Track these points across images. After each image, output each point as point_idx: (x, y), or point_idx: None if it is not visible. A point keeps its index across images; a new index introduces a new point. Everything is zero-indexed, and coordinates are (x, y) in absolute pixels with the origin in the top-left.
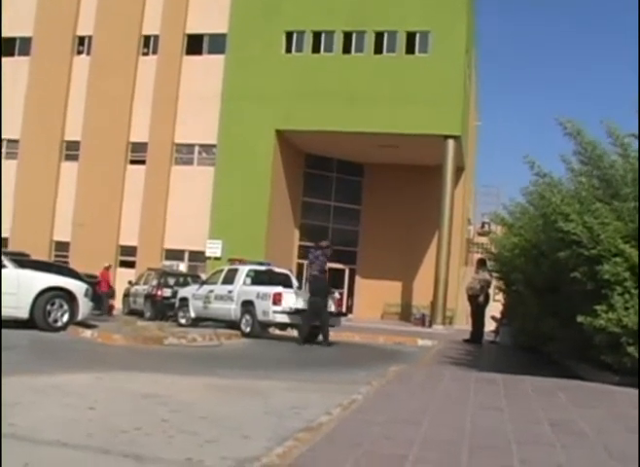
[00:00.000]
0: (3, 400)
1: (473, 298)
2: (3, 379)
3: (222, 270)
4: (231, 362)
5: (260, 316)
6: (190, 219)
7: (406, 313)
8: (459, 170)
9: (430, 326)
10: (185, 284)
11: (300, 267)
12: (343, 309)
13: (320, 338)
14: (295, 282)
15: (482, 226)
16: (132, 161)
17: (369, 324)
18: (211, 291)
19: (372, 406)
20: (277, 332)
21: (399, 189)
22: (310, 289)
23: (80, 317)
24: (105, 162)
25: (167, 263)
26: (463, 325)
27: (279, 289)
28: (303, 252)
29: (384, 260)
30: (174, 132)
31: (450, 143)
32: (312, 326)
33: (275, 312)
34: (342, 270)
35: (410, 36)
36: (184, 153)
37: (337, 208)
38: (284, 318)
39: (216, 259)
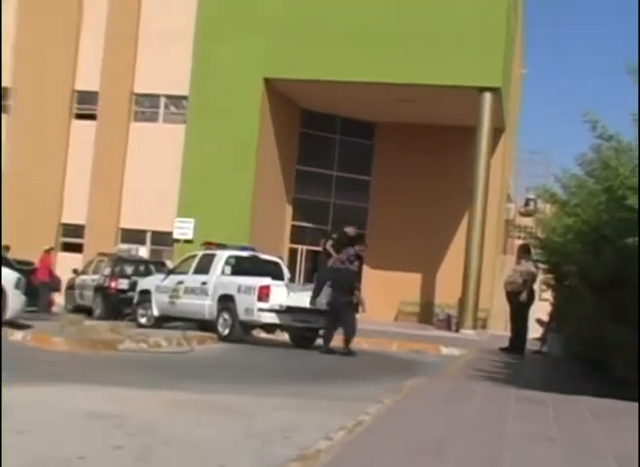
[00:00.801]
0: (3, 401)
1: (513, 295)
2: None
3: (194, 257)
4: (205, 372)
5: (242, 315)
6: (153, 191)
7: (426, 314)
8: (498, 132)
9: (457, 330)
10: (146, 274)
11: (292, 253)
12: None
13: (320, 341)
14: (286, 272)
15: (526, 203)
16: (79, 116)
17: (379, 327)
18: (180, 282)
19: (382, 429)
20: (263, 335)
21: (419, 156)
22: (333, 284)
23: (9, 315)
24: (43, 116)
25: (124, 246)
26: (500, 330)
27: (266, 281)
28: (297, 234)
29: (400, 246)
30: (133, 79)
31: (487, 97)
32: (308, 328)
33: (261, 310)
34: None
35: None
36: (146, 106)
37: (340, 179)
38: (272, 318)
39: (187, 242)
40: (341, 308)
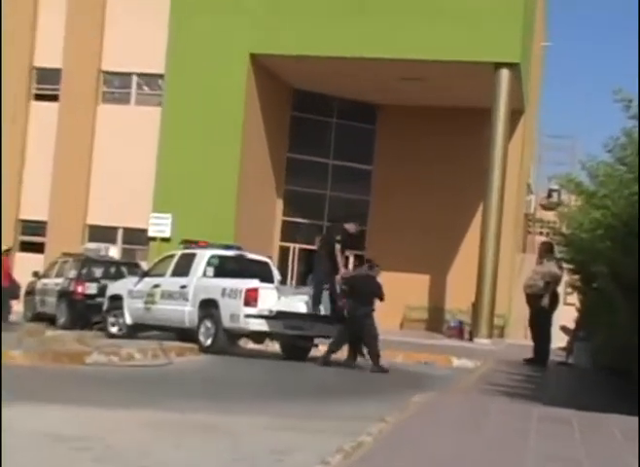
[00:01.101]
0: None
1: (534, 299)
2: None
3: (172, 257)
4: (185, 388)
5: (226, 322)
6: (125, 183)
7: (435, 321)
8: (516, 115)
9: (471, 339)
10: (118, 276)
11: (284, 252)
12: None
13: (315, 352)
14: (276, 274)
15: (549, 195)
16: (38, 97)
17: (382, 335)
18: (156, 286)
19: (385, 452)
20: (251, 345)
21: (427, 142)
22: (352, 292)
23: None
24: None
25: (92, 246)
26: (519, 338)
27: (254, 283)
28: (289, 231)
29: (405, 243)
30: (101, 56)
31: (504, 75)
32: (301, 336)
33: (249, 317)
34: (345, 258)
35: None
36: (116, 86)
37: (337, 169)
38: (261, 325)
39: (164, 240)
40: (361, 320)
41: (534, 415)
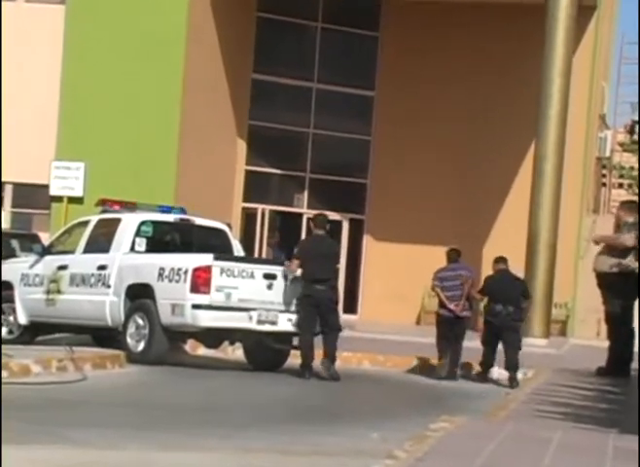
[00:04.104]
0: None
1: (608, 282)
2: None
3: (84, 225)
4: (105, 416)
5: (165, 318)
6: (14, 117)
7: None
8: (586, 12)
9: None
10: (6, 255)
11: (249, 216)
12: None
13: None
14: (237, 247)
15: (631, 130)
16: None
17: (389, 335)
18: (62, 268)
19: None
20: (203, 351)
21: (452, 55)
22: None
23: None
24: None
25: None
26: (590, 338)
27: (206, 259)
28: (256, 186)
29: (421, 203)
30: None
31: None
32: (275, 335)
33: (198, 308)
34: (338, 224)
35: None
36: None
37: (324, 96)
38: (216, 320)
39: (73, 201)
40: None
41: (609, 449)
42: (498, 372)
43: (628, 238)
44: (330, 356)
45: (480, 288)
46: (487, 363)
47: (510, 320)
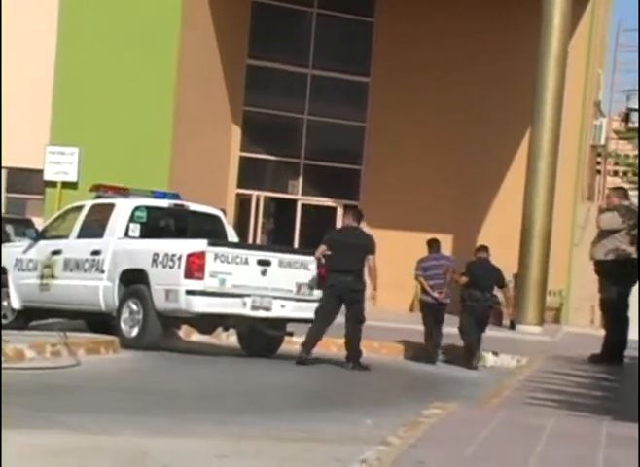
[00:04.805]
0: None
1: (605, 269)
2: None
3: (78, 211)
4: (100, 400)
5: (160, 303)
6: (7, 100)
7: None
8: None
9: (512, 326)
10: (2, 240)
11: (244, 202)
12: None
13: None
14: (231, 232)
15: (626, 118)
16: None
17: (384, 322)
18: (56, 253)
19: None
20: (196, 337)
21: (448, 40)
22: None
23: None
24: None
25: None
26: (584, 324)
27: (200, 245)
28: (250, 172)
29: (415, 188)
30: None
31: None
32: (270, 321)
33: (192, 293)
34: (332, 211)
35: None
36: None
37: (319, 82)
38: (211, 306)
39: (67, 186)
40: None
41: (602, 436)
42: (493, 359)
43: (602, 220)
44: (352, 349)
45: (463, 272)
46: (471, 349)
47: (488, 306)
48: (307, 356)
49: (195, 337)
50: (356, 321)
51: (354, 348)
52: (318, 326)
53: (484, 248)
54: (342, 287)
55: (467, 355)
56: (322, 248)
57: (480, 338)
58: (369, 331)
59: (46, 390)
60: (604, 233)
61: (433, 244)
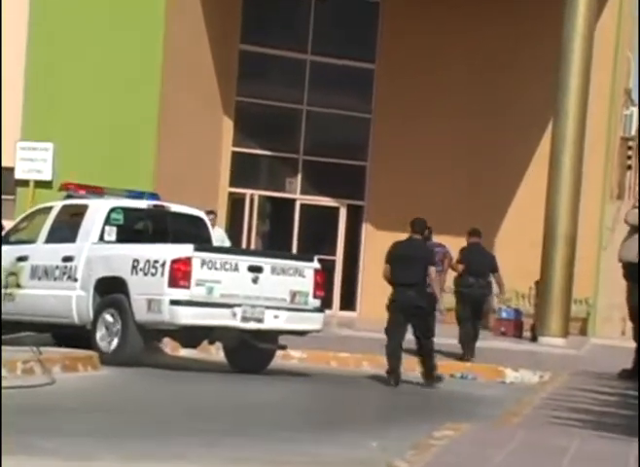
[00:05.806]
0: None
1: (634, 273)
2: None
3: (47, 211)
4: (77, 422)
5: (140, 315)
6: None
7: None
8: None
9: (534, 338)
10: None
11: (235, 202)
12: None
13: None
14: (218, 236)
15: None
16: None
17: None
18: (22, 258)
19: None
20: (184, 351)
21: (462, 24)
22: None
23: None
24: None
25: None
26: (614, 337)
27: (185, 250)
28: (243, 169)
29: (427, 187)
30: None
31: None
32: (261, 334)
33: (177, 303)
34: (334, 211)
35: None
36: None
37: (319, 69)
38: (196, 317)
39: (41, 185)
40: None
41: (630, 461)
42: (513, 375)
43: (630, 214)
44: (427, 365)
45: (458, 259)
46: (469, 337)
47: (482, 292)
48: (396, 383)
49: (183, 352)
50: (424, 338)
51: (429, 366)
52: (393, 345)
53: (476, 232)
54: (405, 302)
55: (462, 347)
56: (385, 268)
57: (478, 328)
58: (373, 343)
59: (18, 411)
60: (634, 231)
61: (428, 233)
